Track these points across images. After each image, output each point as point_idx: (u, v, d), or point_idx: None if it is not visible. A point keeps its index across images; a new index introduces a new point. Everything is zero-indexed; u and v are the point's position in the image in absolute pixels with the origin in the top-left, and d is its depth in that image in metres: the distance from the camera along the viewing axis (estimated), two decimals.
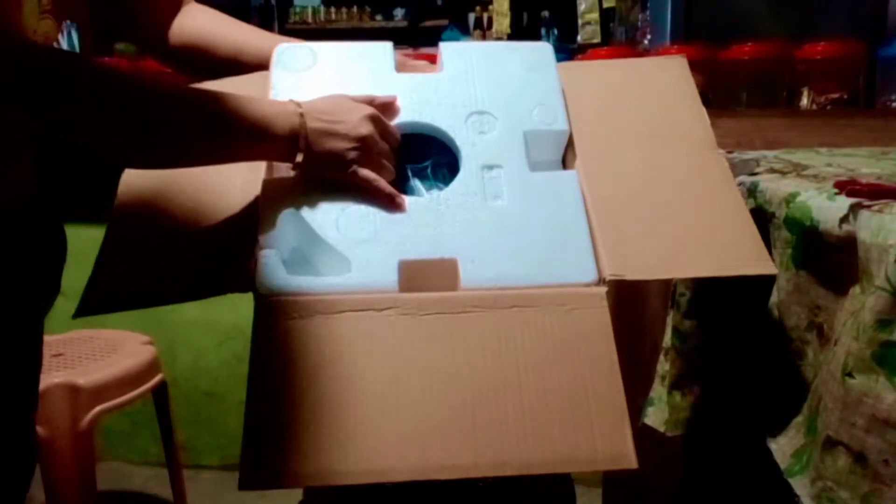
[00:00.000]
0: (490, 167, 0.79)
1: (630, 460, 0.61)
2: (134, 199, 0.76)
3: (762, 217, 0.84)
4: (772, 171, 0.89)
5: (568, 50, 2.86)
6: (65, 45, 0.67)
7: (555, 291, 0.72)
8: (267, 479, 0.61)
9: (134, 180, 0.77)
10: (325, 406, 0.63)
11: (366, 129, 0.73)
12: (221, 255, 0.71)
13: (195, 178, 0.74)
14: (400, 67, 0.88)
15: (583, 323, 0.68)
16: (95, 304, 0.68)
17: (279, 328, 0.66)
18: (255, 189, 0.75)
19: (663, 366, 1.01)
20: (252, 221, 0.72)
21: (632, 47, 2.13)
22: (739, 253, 0.73)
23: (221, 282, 0.69)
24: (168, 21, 0.87)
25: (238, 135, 0.68)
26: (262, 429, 0.62)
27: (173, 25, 0.87)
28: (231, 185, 0.75)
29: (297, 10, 4.15)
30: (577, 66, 1.03)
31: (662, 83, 0.91)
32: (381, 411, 0.63)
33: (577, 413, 0.63)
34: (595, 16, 3.47)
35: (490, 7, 4.23)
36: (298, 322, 0.66)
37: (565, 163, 0.86)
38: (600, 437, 0.62)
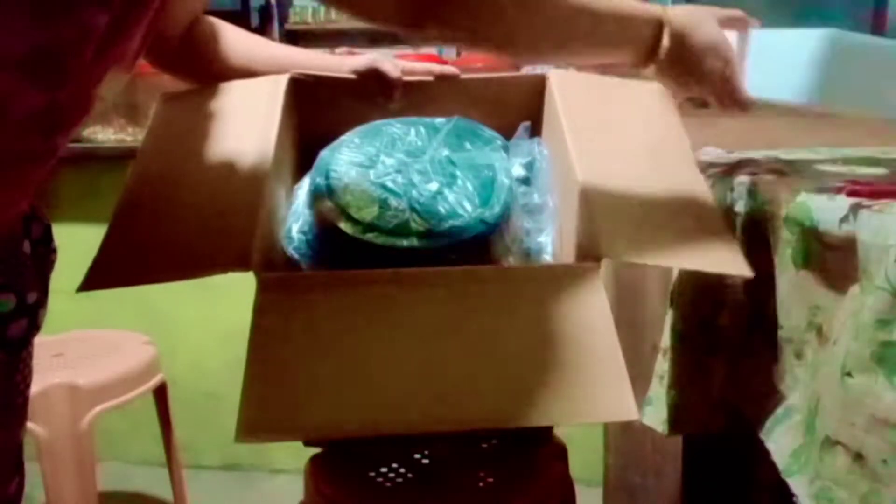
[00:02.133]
0: None
1: (630, 412, 0.62)
2: (143, 180, 0.78)
3: (762, 217, 0.84)
4: (771, 171, 0.89)
5: None
6: None
7: (549, 269, 0.78)
8: (265, 431, 0.62)
9: (144, 162, 0.79)
10: (324, 366, 0.64)
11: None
12: (222, 234, 0.73)
13: (201, 159, 0.77)
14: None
15: (578, 293, 0.70)
16: (100, 279, 0.70)
17: (279, 299, 0.68)
18: (259, 169, 0.77)
19: (662, 366, 1.01)
20: (253, 201, 0.74)
21: None
22: (717, 255, 0.76)
23: (222, 260, 0.70)
24: (179, 30, 0.86)
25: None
26: (260, 386, 0.63)
27: (196, 42, 0.88)
28: (236, 165, 0.77)
29: (297, 10, 4.15)
30: (571, 75, 1.06)
31: (647, 103, 0.95)
32: (379, 369, 0.64)
33: (576, 369, 0.65)
34: None
35: None
36: (297, 295, 0.69)
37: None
38: (600, 392, 0.63)
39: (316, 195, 0.84)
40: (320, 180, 0.85)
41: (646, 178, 0.84)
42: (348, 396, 0.63)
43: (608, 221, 0.75)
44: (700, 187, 0.84)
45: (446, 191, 0.84)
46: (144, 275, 0.71)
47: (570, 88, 0.94)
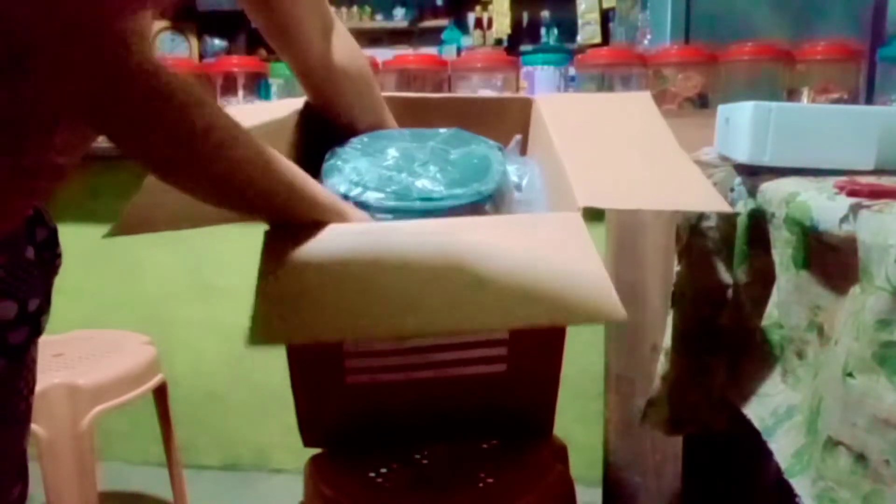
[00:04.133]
0: None
1: (619, 312, 0.64)
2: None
3: (762, 217, 0.84)
4: (771, 171, 0.89)
5: (568, 50, 2.86)
6: None
7: (535, 216, 0.84)
8: (275, 334, 0.64)
9: None
10: (332, 279, 0.68)
11: None
12: None
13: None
14: None
15: (561, 229, 0.74)
16: (131, 225, 0.73)
17: (290, 231, 0.71)
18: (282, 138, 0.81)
19: (663, 366, 1.01)
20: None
21: (632, 47, 2.13)
22: (696, 195, 0.79)
23: None
24: (316, 42, 0.86)
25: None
26: (268, 298, 0.66)
27: (324, 53, 0.87)
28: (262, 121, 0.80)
29: None
30: (555, 97, 1.15)
31: (631, 110, 0.99)
32: (383, 283, 0.68)
33: (565, 278, 0.68)
34: (595, 16, 3.48)
35: (490, 7, 4.24)
36: (306, 235, 0.71)
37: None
38: (587, 295, 0.66)
39: (325, 170, 0.85)
40: (329, 160, 0.87)
41: (621, 143, 0.89)
42: (357, 302, 0.66)
43: (590, 180, 0.80)
44: (695, 173, 0.85)
45: (445, 170, 0.86)
46: (175, 221, 0.73)
47: (555, 108, 0.99)
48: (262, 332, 0.63)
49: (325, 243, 0.71)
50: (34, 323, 0.63)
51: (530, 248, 0.72)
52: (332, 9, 0.89)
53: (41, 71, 0.50)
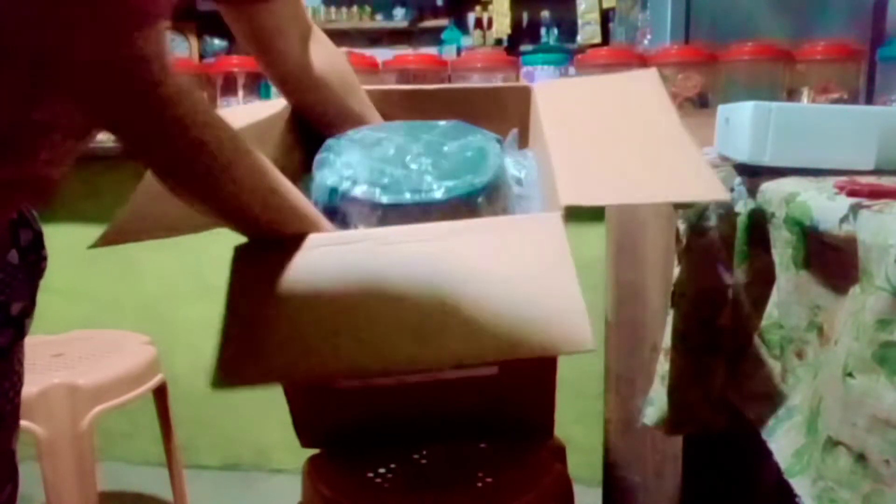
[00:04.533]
0: None
1: (586, 343, 0.62)
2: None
3: (762, 217, 0.84)
4: (771, 171, 0.89)
5: (568, 50, 2.86)
6: None
7: (512, 220, 0.81)
8: (245, 376, 0.63)
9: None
10: (300, 315, 0.66)
11: None
12: None
13: None
14: None
15: (539, 239, 0.71)
16: (120, 234, 0.73)
17: (258, 258, 0.70)
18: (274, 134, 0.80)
19: (663, 366, 1.00)
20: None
21: (632, 47, 2.13)
22: (694, 183, 0.75)
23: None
24: (295, 50, 0.86)
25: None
26: (236, 335, 0.64)
27: (303, 61, 0.87)
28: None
29: None
30: (554, 83, 1.07)
31: (634, 90, 0.95)
32: (351, 317, 0.65)
33: (534, 305, 0.65)
34: (595, 16, 3.48)
35: (490, 7, 4.24)
36: (275, 254, 0.69)
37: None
38: (556, 325, 0.64)
39: (316, 163, 0.85)
40: (322, 153, 0.86)
41: (615, 128, 0.86)
42: (327, 341, 0.64)
43: (578, 173, 0.76)
44: (695, 158, 0.81)
45: (439, 162, 0.85)
46: (166, 228, 0.73)
47: (552, 95, 0.96)
48: (227, 374, 0.62)
49: (294, 268, 0.69)
50: (18, 326, 0.63)
51: (500, 266, 0.68)
52: (332, 9, 0.89)
53: (63, 89, 0.51)
